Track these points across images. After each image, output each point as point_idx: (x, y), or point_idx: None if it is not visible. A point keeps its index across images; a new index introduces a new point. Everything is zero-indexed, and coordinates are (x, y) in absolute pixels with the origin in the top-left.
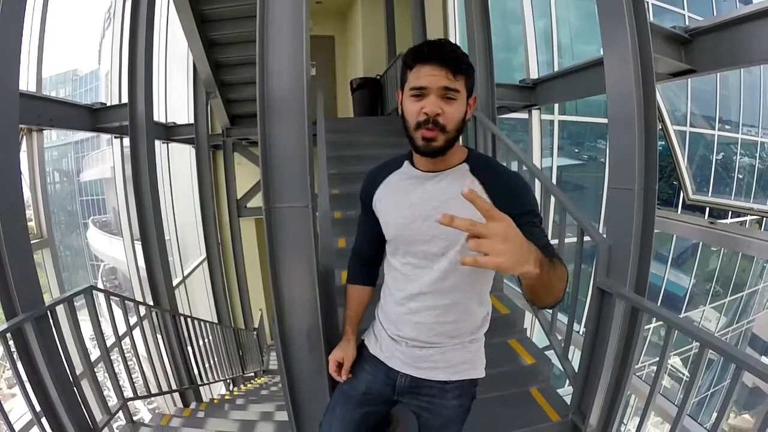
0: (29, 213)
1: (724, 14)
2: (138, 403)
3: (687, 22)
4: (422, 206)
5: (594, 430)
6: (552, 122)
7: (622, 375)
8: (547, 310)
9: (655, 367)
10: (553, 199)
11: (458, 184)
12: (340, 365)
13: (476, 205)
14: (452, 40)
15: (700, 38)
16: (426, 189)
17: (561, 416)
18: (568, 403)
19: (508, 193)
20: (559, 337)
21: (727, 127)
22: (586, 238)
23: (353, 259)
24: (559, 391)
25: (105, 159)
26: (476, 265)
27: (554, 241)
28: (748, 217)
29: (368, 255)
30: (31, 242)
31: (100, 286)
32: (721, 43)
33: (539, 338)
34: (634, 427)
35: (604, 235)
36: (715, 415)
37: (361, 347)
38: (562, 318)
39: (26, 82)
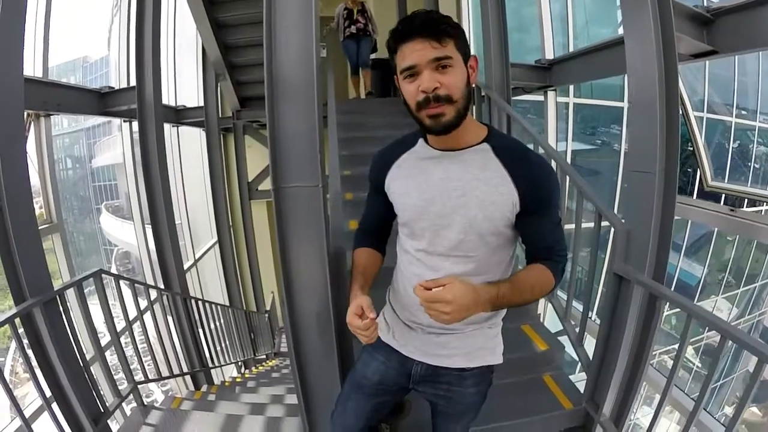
0: (39, 198)
1: None
2: (152, 385)
3: (706, 2)
4: (442, 188)
5: (607, 419)
6: (567, 105)
7: (638, 364)
8: (563, 297)
9: (665, 356)
10: (568, 182)
11: (480, 166)
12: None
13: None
14: (464, 20)
15: (722, 18)
16: (446, 169)
17: (574, 404)
18: (581, 391)
19: (535, 182)
20: (573, 323)
21: (743, 113)
22: (604, 223)
23: (359, 233)
24: (571, 377)
25: (116, 144)
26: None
27: (570, 226)
28: (765, 207)
29: (376, 233)
30: (41, 227)
31: (113, 270)
32: (744, 24)
33: (550, 323)
34: (643, 415)
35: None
36: (727, 408)
37: None
38: (577, 304)
39: (33, 69)
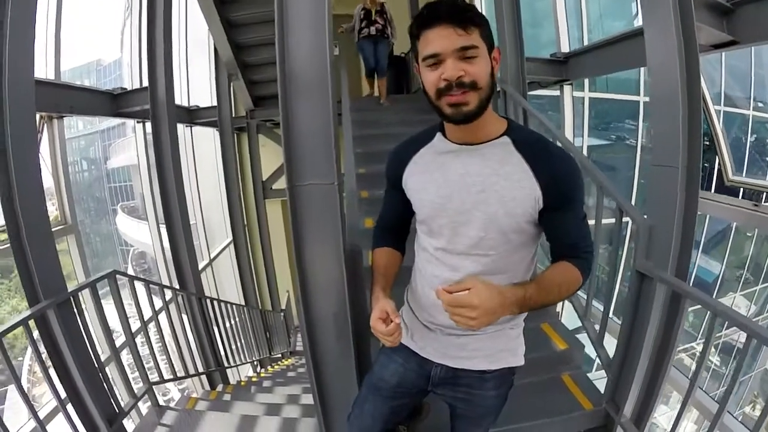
0: (54, 200)
1: None
2: (169, 384)
3: None
4: (461, 184)
5: (628, 421)
6: (582, 100)
7: (660, 364)
8: (582, 296)
9: (683, 354)
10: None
11: (500, 160)
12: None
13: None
14: None
15: (742, 8)
16: (464, 164)
17: (594, 405)
18: (601, 391)
19: (558, 177)
20: (591, 321)
21: (760, 105)
22: (624, 219)
23: (377, 230)
24: (588, 375)
25: (131, 146)
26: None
27: (590, 222)
28: None
29: (394, 230)
30: (56, 229)
31: (130, 270)
32: (765, 14)
33: (567, 320)
34: (660, 414)
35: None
36: (746, 408)
37: None
38: (597, 303)
39: (45, 71)
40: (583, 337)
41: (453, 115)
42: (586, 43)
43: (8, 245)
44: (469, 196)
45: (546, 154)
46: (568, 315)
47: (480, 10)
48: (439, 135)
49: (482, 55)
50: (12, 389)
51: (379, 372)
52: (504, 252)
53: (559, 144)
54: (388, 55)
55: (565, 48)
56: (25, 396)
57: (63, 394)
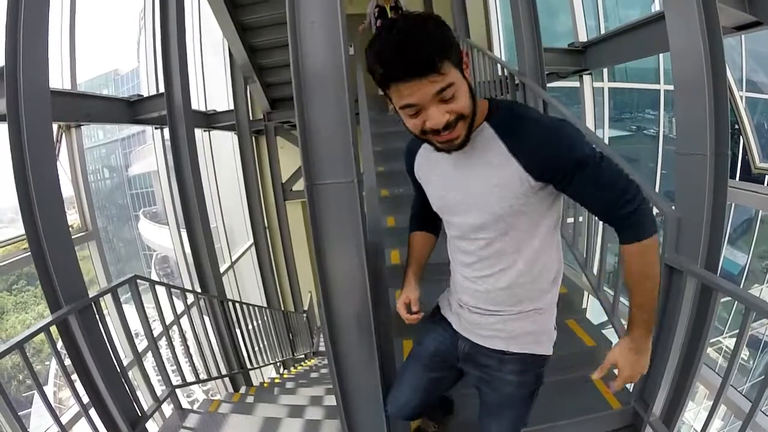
0: (73, 207)
1: None
2: (193, 385)
3: None
4: (451, 175)
5: (657, 419)
6: (602, 91)
7: (691, 360)
8: (609, 291)
9: (710, 348)
10: None
11: (482, 148)
12: (410, 311)
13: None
14: (491, 6)
15: None
16: (452, 156)
17: (622, 404)
18: (630, 390)
19: (538, 151)
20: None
21: None
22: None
23: (411, 217)
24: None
25: (151, 152)
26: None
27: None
28: None
29: (423, 215)
30: (77, 236)
31: (153, 274)
32: None
33: (593, 315)
34: (687, 410)
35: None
36: None
37: (435, 310)
38: (624, 300)
39: (61, 82)
40: (611, 333)
41: (445, 149)
42: (602, 32)
43: (28, 254)
44: (462, 188)
45: (522, 131)
46: (593, 310)
47: (495, 3)
48: None
49: (459, 84)
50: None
51: (421, 339)
52: (512, 234)
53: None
54: None
55: (582, 37)
56: (46, 400)
57: (86, 399)
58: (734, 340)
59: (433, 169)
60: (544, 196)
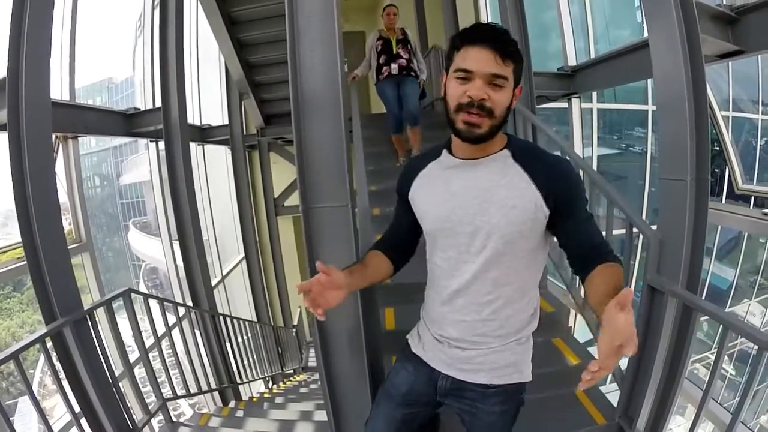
0: (68, 216)
1: None
2: (180, 400)
3: (727, 1)
4: (464, 196)
5: None
6: (591, 111)
7: (673, 377)
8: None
9: (697, 364)
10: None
11: (500, 172)
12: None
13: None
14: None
15: (747, 16)
16: (467, 178)
17: (607, 419)
18: (615, 405)
19: (555, 181)
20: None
21: None
22: (634, 230)
23: (381, 239)
24: (602, 388)
25: (143, 162)
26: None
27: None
28: None
29: (393, 242)
30: (71, 247)
31: (141, 285)
32: None
33: (579, 334)
34: (676, 425)
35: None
36: (762, 417)
37: (405, 347)
38: None
39: (60, 92)
40: (596, 351)
41: (464, 132)
42: (593, 53)
43: (24, 262)
44: (471, 208)
45: (541, 161)
46: (579, 329)
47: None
48: (445, 152)
49: (508, 88)
50: (22, 401)
51: (392, 378)
52: (509, 260)
53: (568, 157)
54: (419, 96)
55: (572, 61)
56: (41, 412)
57: (77, 409)
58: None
59: (438, 187)
60: (543, 230)
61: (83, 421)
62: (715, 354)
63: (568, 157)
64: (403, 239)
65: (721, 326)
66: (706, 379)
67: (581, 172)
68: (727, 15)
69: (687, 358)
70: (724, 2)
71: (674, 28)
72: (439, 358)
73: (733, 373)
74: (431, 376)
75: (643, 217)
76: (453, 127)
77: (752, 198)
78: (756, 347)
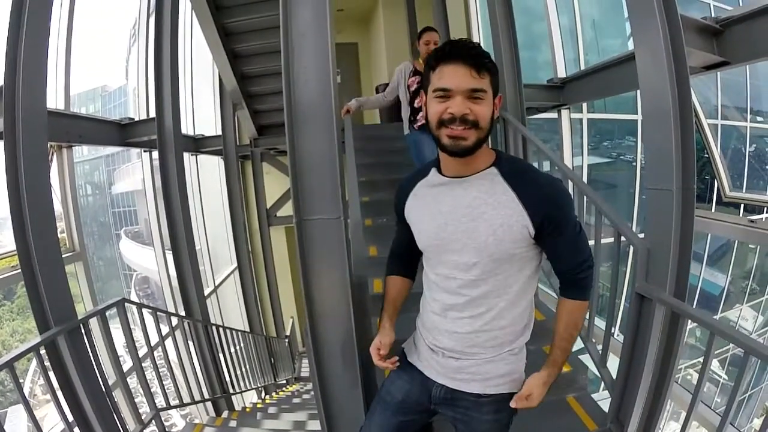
0: (61, 225)
1: (755, 2)
2: (171, 410)
3: (713, 12)
4: (453, 214)
5: None
6: (581, 121)
7: (663, 383)
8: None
9: (691, 370)
10: (586, 200)
11: (488, 191)
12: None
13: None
14: (476, 41)
15: (731, 28)
16: (455, 195)
17: (598, 425)
18: (606, 411)
19: (543, 203)
20: (594, 341)
21: (759, 118)
22: (623, 239)
23: (390, 257)
24: (594, 395)
25: (135, 171)
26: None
27: (590, 242)
28: None
29: (404, 257)
30: (64, 256)
31: (133, 295)
32: (754, 33)
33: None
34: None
35: (641, 236)
36: (756, 420)
37: (401, 355)
38: (599, 323)
39: (55, 101)
40: (586, 358)
41: (450, 147)
42: (582, 63)
43: (17, 271)
44: (460, 225)
45: (531, 182)
46: None
47: (479, 38)
48: (433, 170)
49: (488, 99)
50: (11, 411)
51: (388, 386)
52: (497, 277)
53: (557, 168)
54: None
55: (561, 72)
56: (35, 421)
57: (71, 418)
58: (713, 361)
59: (430, 206)
60: (533, 244)
61: (76, 431)
62: (713, 358)
63: (557, 168)
64: (411, 253)
65: (708, 332)
66: (700, 387)
67: (570, 184)
68: (712, 27)
69: (675, 364)
70: (712, 14)
71: (660, 41)
72: (433, 367)
73: (726, 378)
74: (425, 384)
75: (635, 224)
76: (439, 144)
77: (742, 205)
78: (743, 351)
